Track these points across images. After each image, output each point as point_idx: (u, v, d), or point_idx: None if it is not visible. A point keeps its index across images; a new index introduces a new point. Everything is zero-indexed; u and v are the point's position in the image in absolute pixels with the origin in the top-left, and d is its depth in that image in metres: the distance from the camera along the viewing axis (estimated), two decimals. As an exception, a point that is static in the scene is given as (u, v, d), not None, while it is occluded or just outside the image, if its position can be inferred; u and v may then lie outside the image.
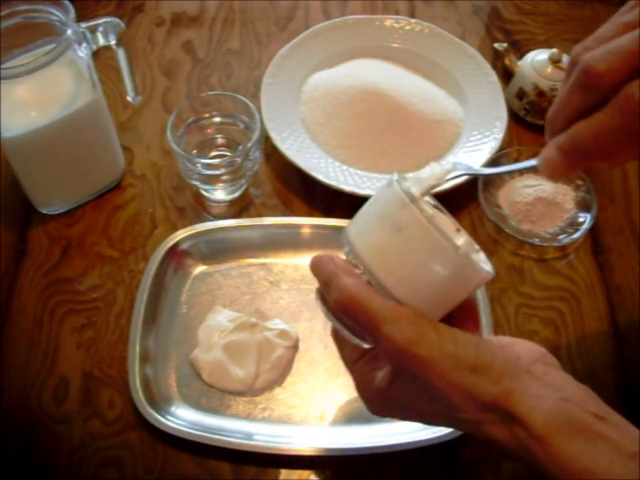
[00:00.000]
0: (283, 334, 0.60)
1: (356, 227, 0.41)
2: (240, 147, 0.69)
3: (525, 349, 0.40)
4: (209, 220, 0.69)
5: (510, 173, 0.50)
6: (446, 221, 0.41)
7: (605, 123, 0.35)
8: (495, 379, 0.37)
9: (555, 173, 0.38)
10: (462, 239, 0.39)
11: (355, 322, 0.39)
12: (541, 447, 0.36)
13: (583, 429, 0.36)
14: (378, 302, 0.37)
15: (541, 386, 0.37)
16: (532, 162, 0.40)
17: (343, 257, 0.41)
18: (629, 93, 0.33)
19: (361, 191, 0.67)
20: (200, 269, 0.66)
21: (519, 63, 0.79)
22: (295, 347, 0.61)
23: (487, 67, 0.78)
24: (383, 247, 0.38)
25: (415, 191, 0.38)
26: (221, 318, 0.61)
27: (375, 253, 0.38)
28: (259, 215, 0.70)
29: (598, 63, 0.34)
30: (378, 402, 0.42)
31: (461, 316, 0.40)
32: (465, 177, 0.69)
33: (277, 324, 0.61)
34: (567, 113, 0.37)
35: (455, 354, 0.37)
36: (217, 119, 0.71)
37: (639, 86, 0.33)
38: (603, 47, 0.35)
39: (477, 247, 0.41)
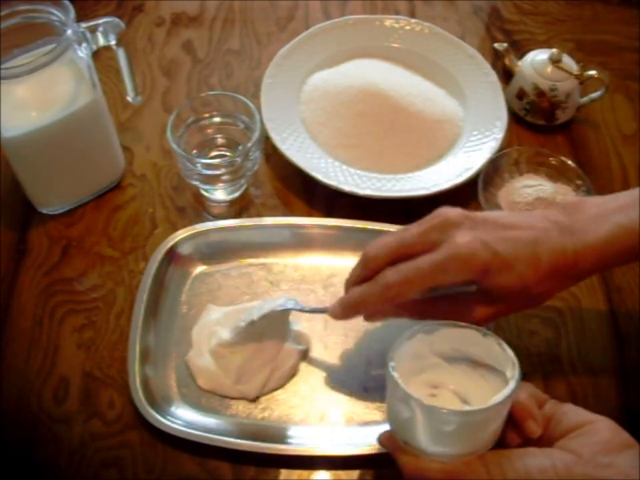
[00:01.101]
0: (298, 336, 0.60)
1: (388, 415, 0.47)
2: (240, 147, 0.69)
3: (591, 438, 0.42)
4: (209, 220, 0.69)
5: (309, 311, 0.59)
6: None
7: (366, 290, 0.50)
8: None
9: (338, 318, 0.53)
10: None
11: None
12: None
13: None
14: (432, 469, 0.43)
15: None
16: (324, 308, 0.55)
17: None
18: (382, 274, 0.49)
19: (361, 191, 0.67)
20: (200, 268, 0.66)
21: (519, 63, 0.79)
22: (307, 351, 0.61)
23: (486, 67, 0.78)
24: (412, 428, 0.43)
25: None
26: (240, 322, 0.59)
27: (410, 434, 0.44)
28: (259, 215, 0.70)
29: (370, 250, 0.50)
30: None
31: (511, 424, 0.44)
32: (464, 178, 0.69)
33: (293, 324, 0.61)
34: (352, 280, 0.52)
35: None
36: (217, 119, 0.71)
37: (390, 270, 0.48)
38: (382, 242, 0.50)
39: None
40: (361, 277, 0.51)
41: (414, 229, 0.49)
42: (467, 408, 0.42)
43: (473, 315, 0.50)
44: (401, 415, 0.44)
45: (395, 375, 0.43)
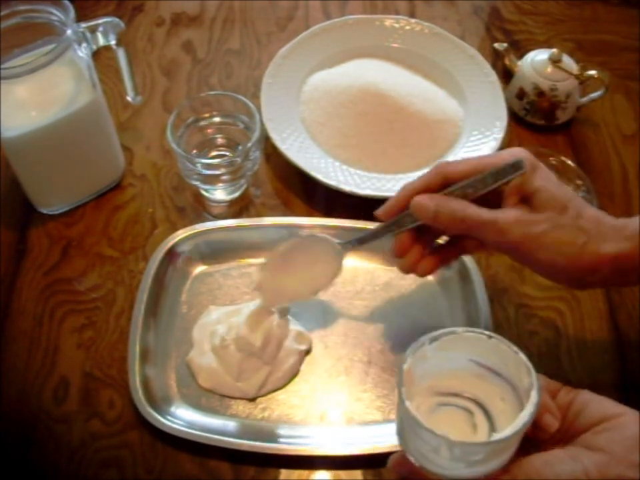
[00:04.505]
0: (299, 336, 0.60)
1: (403, 441, 0.44)
2: (240, 147, 0.69)
3: (620, 433, 0.40)
4: (209, 220, 0.69)
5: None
6: None
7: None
8: None
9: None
10: None
11: None
12: None
13: None
14: None
15: None
16: None
17: None
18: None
19: (361, 191, 0.67)
20: (200, 268, 0.66)
21: (519, 63, 0.79)
22: (307, 351, 0.61)
23: (487, 66, 0.78)
24: (435, 458, 0.41)
25: None
26: (235, 319, 0.60)
27: (432, 463, 0.42)
28: (259, 215, 0.70)
29: None
30: None
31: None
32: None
33: (294, 324, 0.61)
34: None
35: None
36: (217, 119, 0.71)
37: None
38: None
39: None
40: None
41: None
42: (496, 437, 0.39)
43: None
44: (422, 447, 0.42)
45: (413, 412, 0.40)
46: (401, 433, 0.44)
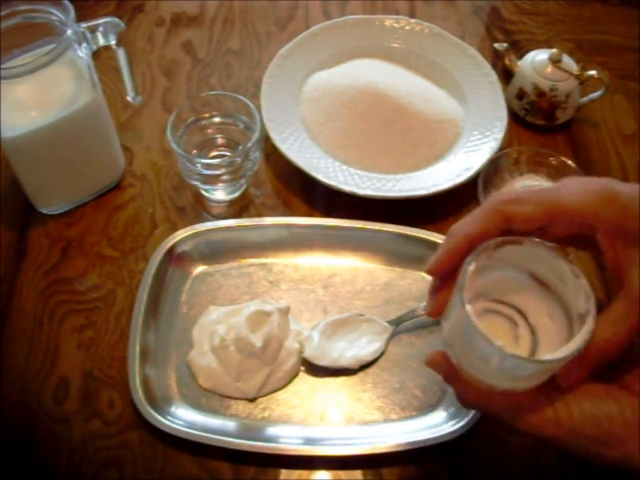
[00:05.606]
0: (299, 336, 0.60)
1: (451, 340, 0.43)
2: (240, 147, 0.69)
3: None
4: (209, 220, 0.69)
5: None
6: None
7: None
8: (617, 445, 0.39)
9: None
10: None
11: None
12: None
13: None
14: (494, 401, 0.42)
15: None
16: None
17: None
18: None
19: (361, 191, 0.67)
20: (200, 268, 0.66)
21: (519, 63, 0.79)
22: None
23: (487, 66, 0.78)
24: (480, 364, 0.41)
25: None
26: (235, 319, 0.60)
27: (476, 368, 0.41)
28: (259, 215, 0.70)
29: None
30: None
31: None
32: (464, 178, 0.69)
33: (294, 324, 0.61)
34: None
35: (573, 430, 0.40)
36: (217, 119, 0.71)
37: None
38: None
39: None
40: None
41: None
42: (551, 357, 0.38)
43: None
44: (470, 353, 0.40)
45: (473, 318, 0.38)
46: (448, 334, 0.43)
